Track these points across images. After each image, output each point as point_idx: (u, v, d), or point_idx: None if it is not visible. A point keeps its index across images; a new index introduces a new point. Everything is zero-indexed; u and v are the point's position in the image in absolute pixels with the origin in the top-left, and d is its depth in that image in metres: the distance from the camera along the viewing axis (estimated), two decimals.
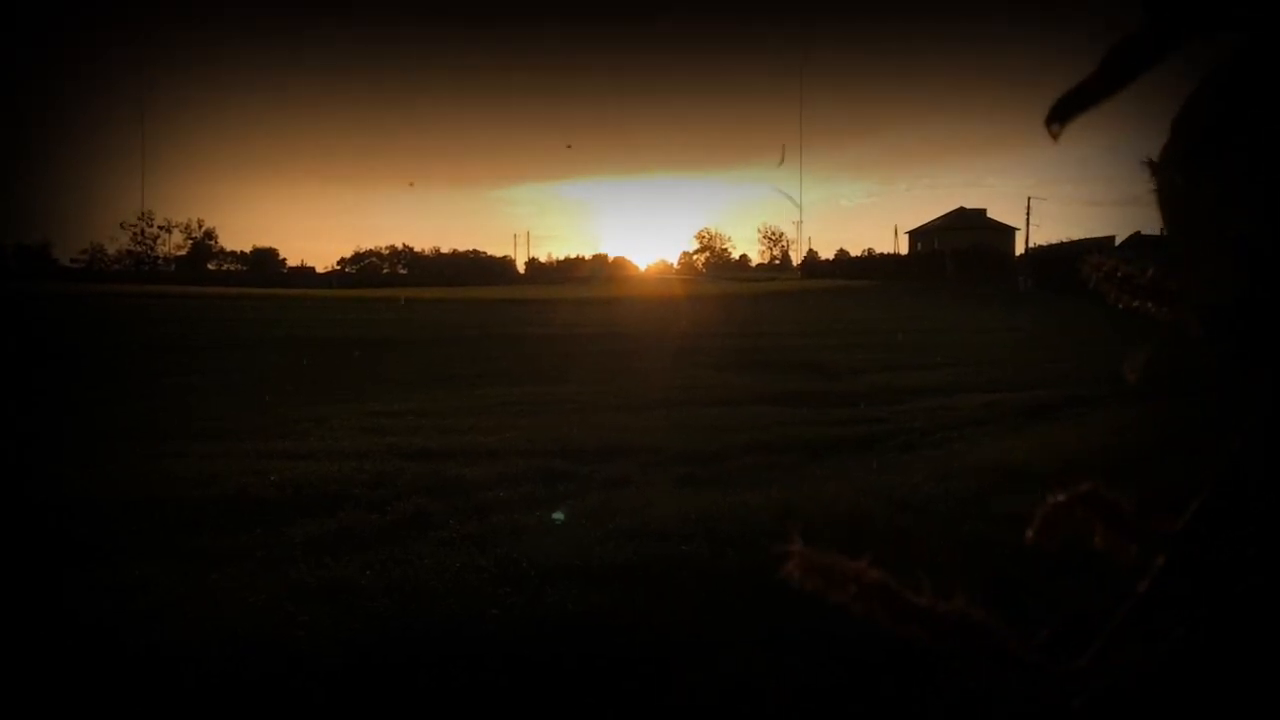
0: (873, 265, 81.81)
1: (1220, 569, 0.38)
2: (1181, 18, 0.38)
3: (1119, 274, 0.48)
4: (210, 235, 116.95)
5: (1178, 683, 0.39)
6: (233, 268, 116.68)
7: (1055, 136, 0.41)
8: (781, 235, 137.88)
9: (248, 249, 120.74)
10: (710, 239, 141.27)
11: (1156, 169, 0.41)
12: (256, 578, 4.36)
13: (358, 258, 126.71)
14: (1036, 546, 0.43)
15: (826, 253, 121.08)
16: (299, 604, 4.02)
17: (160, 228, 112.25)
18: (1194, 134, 0.40)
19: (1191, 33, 0.39)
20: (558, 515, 5.40)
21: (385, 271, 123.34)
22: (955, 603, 0.40)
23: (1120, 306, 0.46)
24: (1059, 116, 0.41)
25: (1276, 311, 0.38)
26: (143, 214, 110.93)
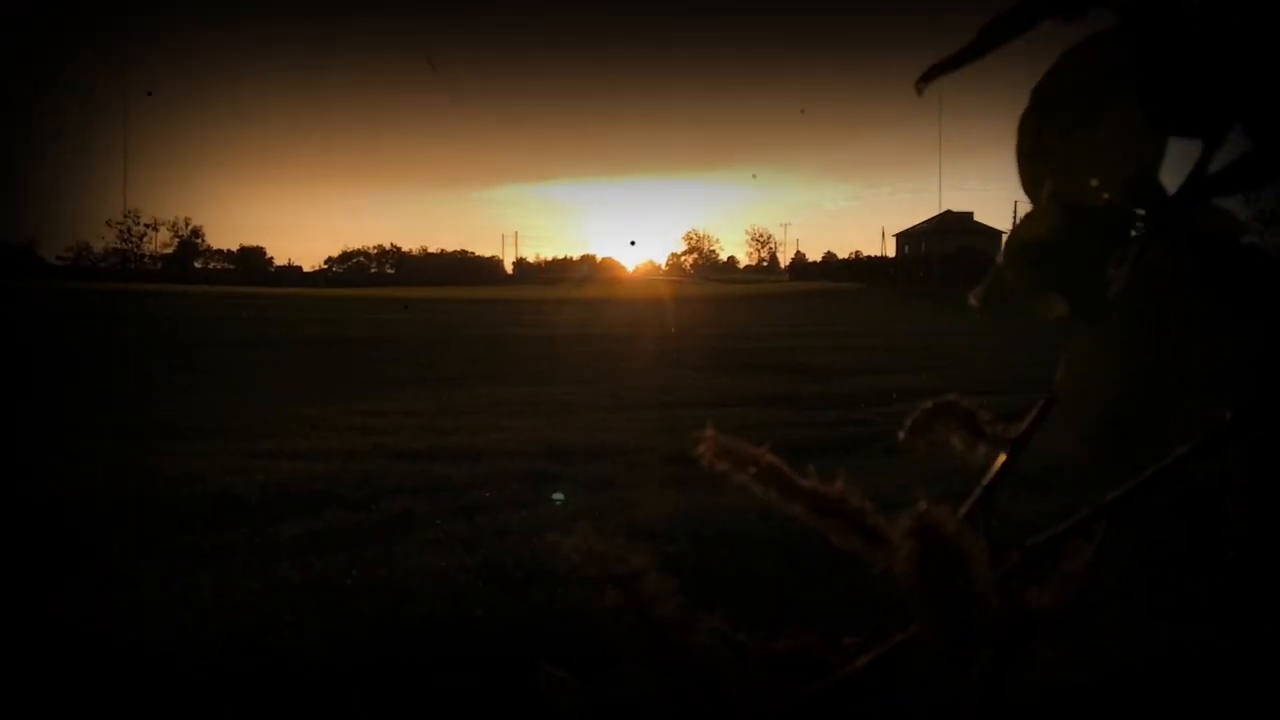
0: (860, 268, 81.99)
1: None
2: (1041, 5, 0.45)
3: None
4: (197, 233, 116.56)
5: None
6: (219, 266, 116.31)
7: (920, 92, 0.49)
8: (769, 237, 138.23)
9: (234, 247, 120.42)
10: (698, 240, 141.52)
11: (1019, 131, 0.48)
12: (242, 576, 4.35)
13: (345, 257, 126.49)
14: (907, 448, 0.52)
15: (814, 255, 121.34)
16: (284, 602, 4.02)
17: (147, 226, 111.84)
18: (1040, 101, 0.47)
19: (1056, 13, 0.45)
20: (557, 496, 5.43)
21: (373, 271, 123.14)
22: (836, 486, 0.47)
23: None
24: (926, 78, 0.48)
25: (1068, 251, 0.46)
26: (129, 212, 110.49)
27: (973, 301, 0.51)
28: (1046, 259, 0.47)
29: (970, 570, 0.40)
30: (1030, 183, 0.49)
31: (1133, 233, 0.47)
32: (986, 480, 0.48)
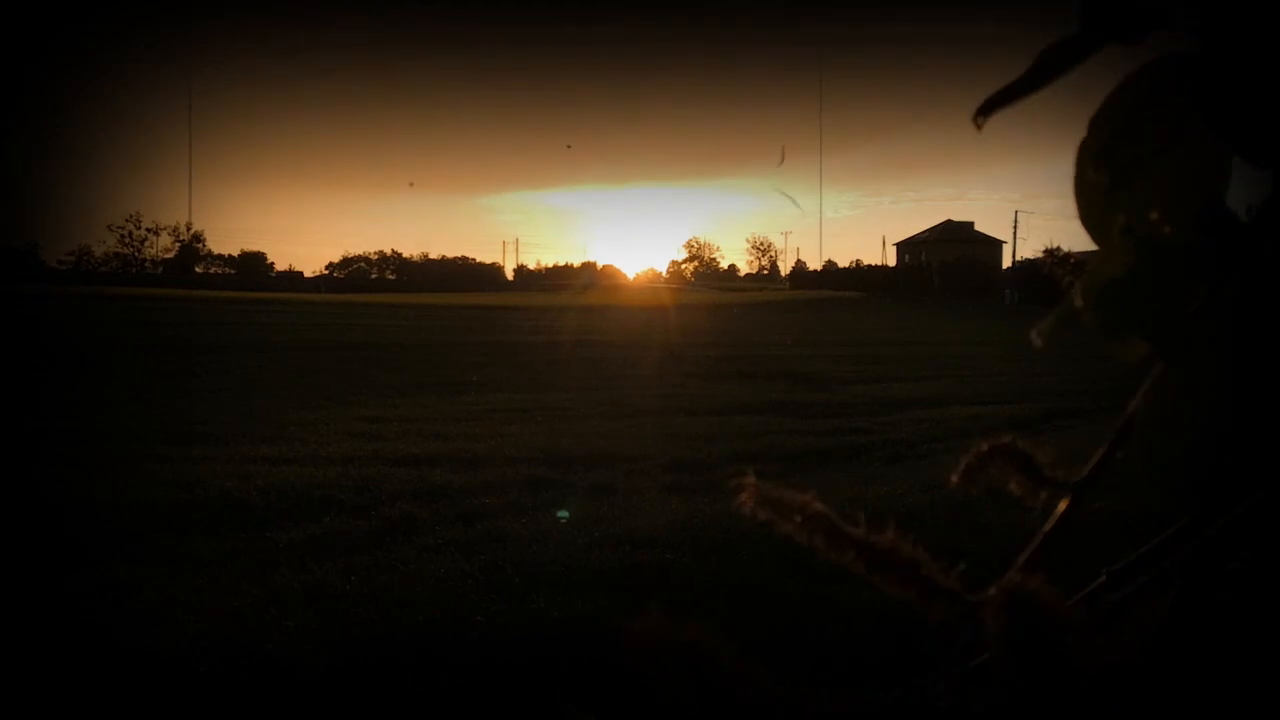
0: (860, 276, 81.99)
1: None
2: (1111, 23, 0.44)
3: (1067, 259, 0.56)
4: (198, 238, 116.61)
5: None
6: (220, 271, 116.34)
7: (979, 127, 0.46)
8: (770, 245, 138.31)
9: (235, 252, 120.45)
10: (699, 248, 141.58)
11: (1078, 164, 0.46)
12: (241, 582, 4.35)
13: (345, 262, 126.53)
14: (960, 490, 0.50)
15: (814, 263, 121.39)
16: (283, 609, 4.01)
17: (148, 230, 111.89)
18: (1103, 131, 0.45)
19: (1118, 38, 0.44)
20: (563, 513, 5.43)
21: (373, 276, 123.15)
22: (887, 535, 0.45)
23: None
24: (986, 110, 0.46)
25: (1144, 288, 0.45)
26: (130, 216, 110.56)
27: (1036, 340, 0.49)
28: (1126, 298, 0.45)
29: (1066, 646, 0.38)
30: (1096, 219, 0.47)
31: (1209, 267, 0.45)
32: (1047, 528, 0.46)
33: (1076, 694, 0.38)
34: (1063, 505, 0.46)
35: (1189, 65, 0.43)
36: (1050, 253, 0.57)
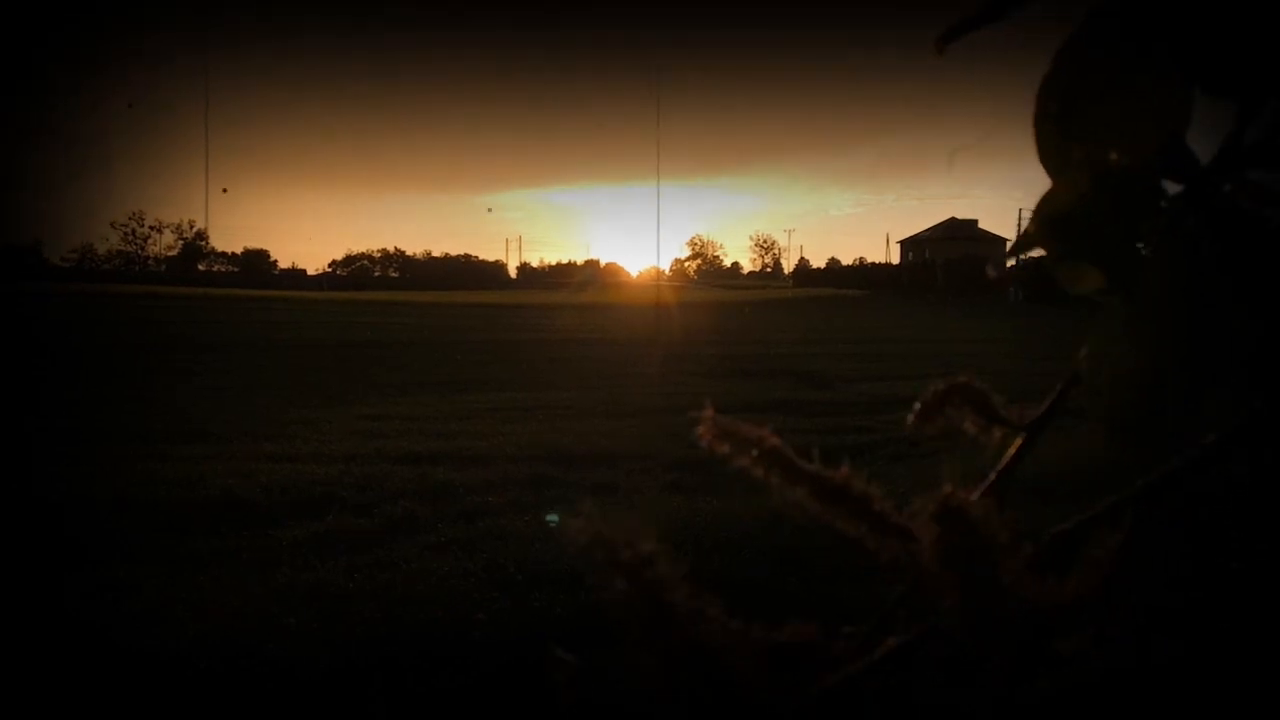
0: (864, 274, 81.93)
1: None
2: None
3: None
4: (201, 236, 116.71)
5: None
6: (223, 269, 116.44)
7: (940, 51, 0.47)
8: (773, 243, 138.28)
9: (239, 250, 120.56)
10: (702, 246, 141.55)
11: (1038, 99, 0.46)
12: (243, 580, 4.35)
13: (349, 260, 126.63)
14: (918, 430, 0.50)
15: (818, 261, 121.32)
16: (285, 607, 4.01)
17: (151, 228, 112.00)
18: (1062, 65, 0.45)
19: None
20: (551, 518, 5.39)
21: (377, 275, 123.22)
22: (840, 471, 0.45)
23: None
24: (947, 39, 0.47)
25: (1100, 218, 0.45)
26: (133, 214, 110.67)
27: (990, 272, 0.49)
28: (1078, 226, 0.45)
29: (997, 557, 0.38)
30: (1052, 150, 0.46)
31: (1163, 204, 0.45)
32: (1001, 466, 0.47)
33: (1012, 618, 0.38)
34: (1015, 444, 0.47)
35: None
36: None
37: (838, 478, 0.46)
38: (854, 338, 23.15)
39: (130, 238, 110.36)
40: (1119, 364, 0.45)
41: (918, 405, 0.50)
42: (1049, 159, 0.46)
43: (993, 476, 0.46)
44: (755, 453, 0.47)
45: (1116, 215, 0.44)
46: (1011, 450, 0.47)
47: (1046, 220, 0.46)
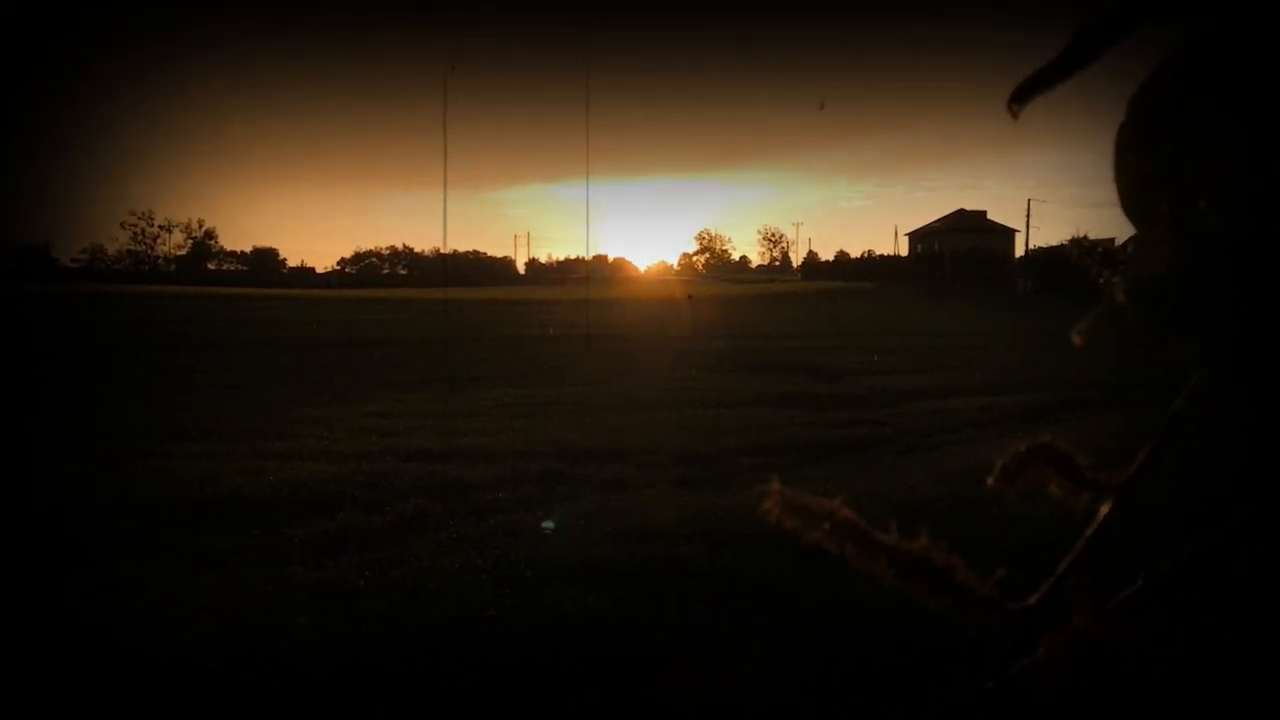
0: (872, 267, 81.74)
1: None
2: (1145, 5, 0.41)
3: (1094, 249, 0.52)
4: (210, 235, 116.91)
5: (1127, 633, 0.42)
6: (233, 268, 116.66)
7: (1015, 115, 0.44)
8: (781, 237, 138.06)
9: (248, 249, 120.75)
10: (710, 240, 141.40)
11: (1117, 148, 0.43)
12: (254, 578, 4.36)
13: (358, 258, 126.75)
14: (998, 493, 0.48)
15: (826, 254, 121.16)
16: (296, 604, 4.02)
17: (160, 227, 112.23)
18: (1145, 115, 0.42)
19: (1153, 18, 0.41)
20: (547, 524, 5.35)
21: (385, 272, 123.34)
22: (919, 542, 0.44)
23: (1099, 281, 0.50)
24: (1019, 98, 0.43)
25: (1193, 285, 0.41)
26: (142, 213, 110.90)
27: (1077, 340, 0.46)
28: (1172, 296, 0.41)
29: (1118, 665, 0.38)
30: (1135, 204, 0.43)
31: (1260, 262, 0.41)
32: (1090, 532, 0.44)
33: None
34: (1105, 507, 0.44)
35: (1233, 44, 0.40)
36: (1077, 242, 0.55)
37: (917, 551, 0.44)
38: (863, 331, 23.11)
39: (139, 237, 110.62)
40: (1215, 426, 0.44)
41: (998, 467, 0.47)
42: (1134, 211, 0.43)
43: (1080, 543, 0.44)
44: (827, 526, 0.45)
45: (1212, 280, 0.41)
46: (1103, 512, 0.44)
47: (1139, 291, 0.42)
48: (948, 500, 5.57)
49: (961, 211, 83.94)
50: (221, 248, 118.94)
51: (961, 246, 67.23)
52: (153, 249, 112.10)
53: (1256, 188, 0.40)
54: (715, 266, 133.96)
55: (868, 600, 3.66)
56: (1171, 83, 0.42)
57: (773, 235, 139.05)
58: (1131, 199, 0.43)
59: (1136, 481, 0.44)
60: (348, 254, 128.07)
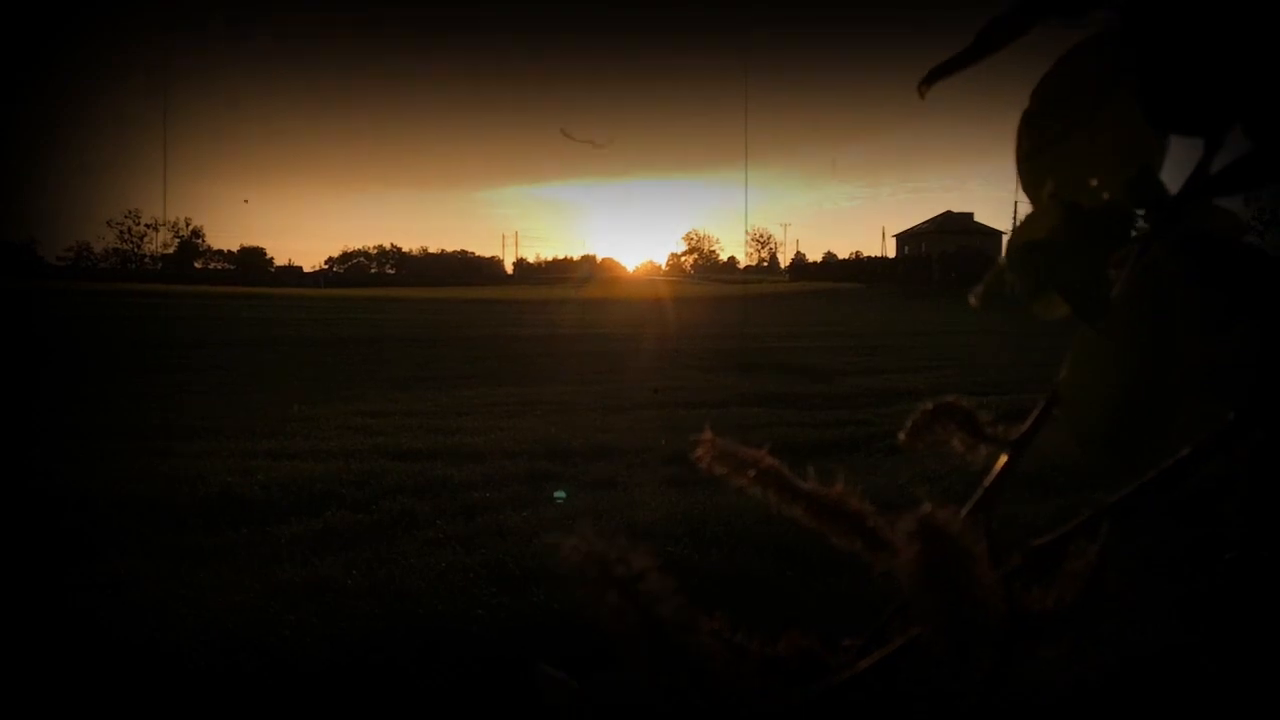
0: (860, 268, 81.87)
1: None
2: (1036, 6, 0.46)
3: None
4: (197, 234, 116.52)
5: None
6: (220, 266, 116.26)
7: (922, 95, 0.50)
8: (769, 238, 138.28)
9: (235, 248, 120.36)
10: (698, 241, 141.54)
11: (1018, 132, 0.49)
12: (242, 577, 4.35)
13: (345, 257, 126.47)
14: (908, 448, 0.52)
15: (814, 255, 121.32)
16: (284, 603, 4.02)
17: (147, 226, 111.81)
18: (1046, 103, 0.48)
19: (1055, 14, 0.46)
20: (559, 494, 5.39)
21: (373, 271, 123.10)
22: (836, 488, 0.47)
23: None
24: (929, 79, 0.49)
25: (1068, 250, 0.46)
26: (129, 212, 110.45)
27: (972, 301, 0.51)
28: (1047, 259, 0.46)
29: (974, 571, 0.39)
30: (1030, 183, 0.49)
31: (1134, 233, 0.46)
32: (987, 482, 0.48)
33: (988, 630, 0.39)
34: (1001, 460, 0.49)
35: (1119, 38, 0.45)
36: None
37: (832, 495, 0.47)
38: (850, 331, 23.16)
39: (126, 236, 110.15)
40: (1094, 383, 0.47)
41: (908, 424, 0.52)
42: (1029, 191, 0.49)
43: (980, 492, 0.48)
44: (753, 473, 0.49)
45: (1084, 246, 0.46)
46: (998, 465, 0.49)
47: (1016, 253, 0.48)
48: (937, 500, 5.58)
49: (949, 213, 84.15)
50: (209, 247, 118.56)
51: (949, 248, 67.37)
52: (139, 248, 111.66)
53: (1134, 169, 0.46)
54: (703, 267, 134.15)
55: (851, 596, 3.68)
56: (1064, 73, 0.47)
57: (761, 236, 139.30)
58: (1025, 177, 0.49)
59: (1029, 437, 0.49)
60: (335, 253, 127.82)
